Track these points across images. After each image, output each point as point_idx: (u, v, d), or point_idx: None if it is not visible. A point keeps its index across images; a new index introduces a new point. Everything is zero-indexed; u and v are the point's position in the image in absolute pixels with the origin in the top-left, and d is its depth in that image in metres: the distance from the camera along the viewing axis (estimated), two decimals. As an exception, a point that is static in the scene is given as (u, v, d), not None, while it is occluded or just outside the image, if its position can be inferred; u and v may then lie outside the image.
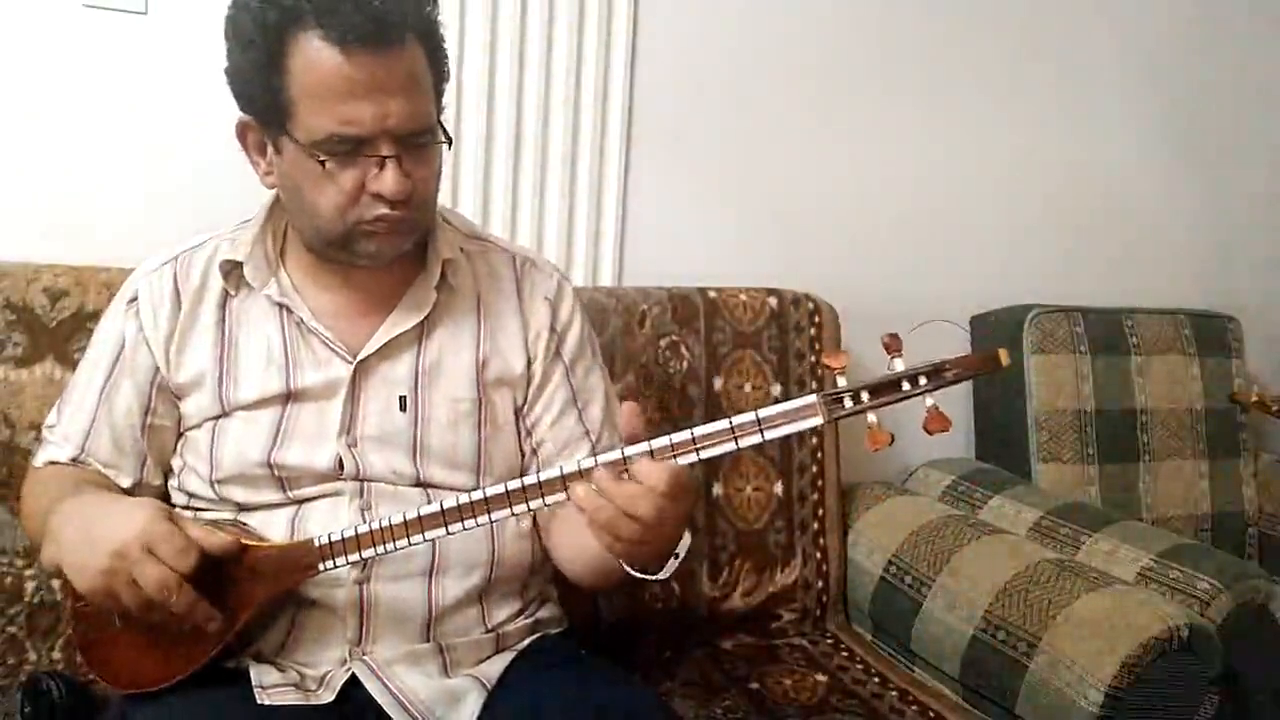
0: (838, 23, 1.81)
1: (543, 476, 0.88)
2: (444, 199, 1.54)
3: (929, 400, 0.82)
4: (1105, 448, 1.87)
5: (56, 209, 1.41)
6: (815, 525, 1.61)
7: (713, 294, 1.60)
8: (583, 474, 0.86)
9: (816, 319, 1.66)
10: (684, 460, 0.84)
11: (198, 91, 1.42)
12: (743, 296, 1.62)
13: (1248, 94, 2.20)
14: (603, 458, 0.85)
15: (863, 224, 1.90)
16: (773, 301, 1.63)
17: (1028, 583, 1.37)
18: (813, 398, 0.82)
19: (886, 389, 0.81)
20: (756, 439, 0.83)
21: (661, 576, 0.92)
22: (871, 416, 0.82)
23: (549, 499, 0.88)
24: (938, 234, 1.96)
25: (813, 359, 1.64)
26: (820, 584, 1.60)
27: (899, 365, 0.81)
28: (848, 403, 0.81)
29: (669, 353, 1.54)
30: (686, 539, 0.92)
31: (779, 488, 1.59)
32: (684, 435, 0.84)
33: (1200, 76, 2.14)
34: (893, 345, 0.82)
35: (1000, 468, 1.86)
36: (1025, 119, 2.00)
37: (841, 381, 0.82)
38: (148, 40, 1.42)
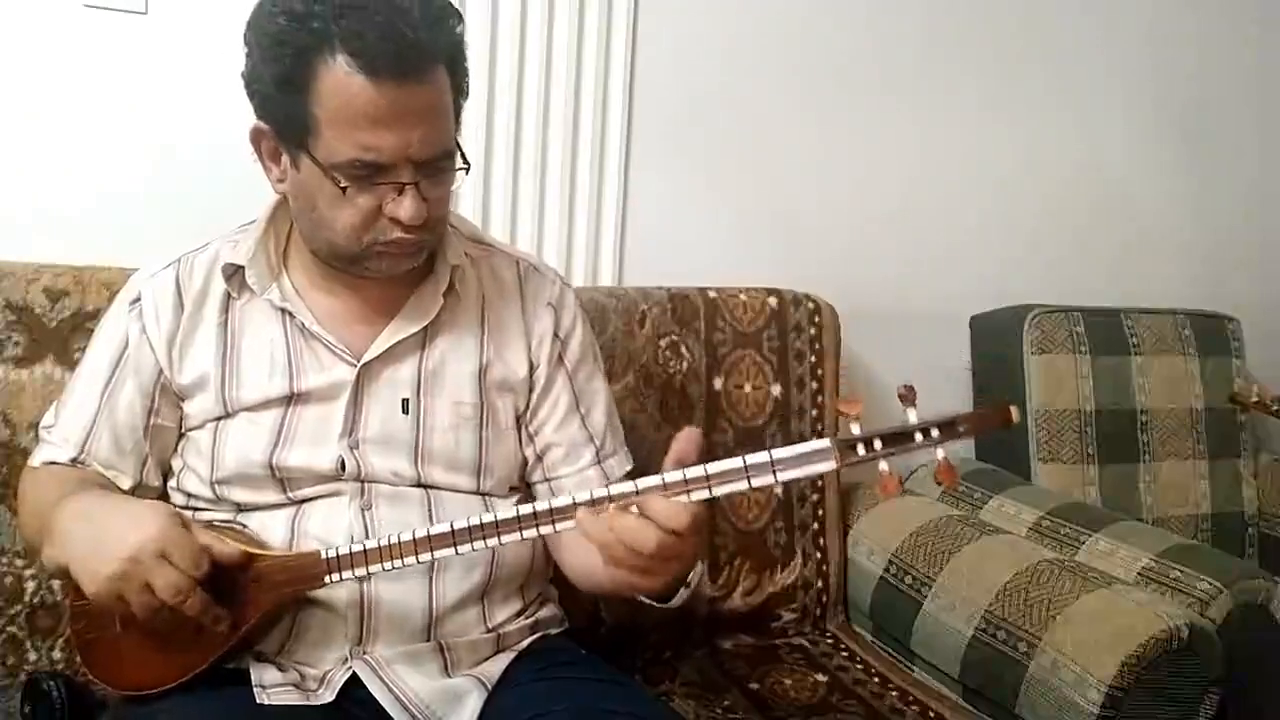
0: (837, 23, 1.81)
1: (555, 503, 0.88)
2: (444, 199, 1.54)
3: (940, 452, 0.83)
4: (1105, 448, 1.87)
5: (56, 209, 1.41)
6: (815, 525, 1.61)
7: (713, 294, 1.60)
8: (594, 503, 0.85)
9: (816, 319, 1.66)
10: (697, 496, 0.83)
11: (198, 91, 1.42)
12: (743, 296, 1.62)
13: (1247, 94, 2.20)
14: (616, 488, 0.85)
15: (863, 224, 1.90)
16: (773, 301, 1.63)
17: (1028, 583, 1.38)
18: (827, 442, 0.83)
19: (900, 439, 0.82)
20: (769, 479, 0.83)
21: (671, 605, 0.92)
22: (883, 464, 0.83)
23: (560, 525, 0.88)
24: (938, 234, 1.96)
25: (813, 359, 1.64)
26: (820, 584, 1.60)
27: (913, 416, 0.83)
28: (861, 450, 0.82)
29: (669, 353, 1.54)
30: (699, 569, 0.91)
31: (779, 488, 1.59)
32: (698, 471, 0.83)
33: (1200, 76, 2.14)
34: (908, 397, 0.83)
35: (1000, 468, 1.86)
36: (1025, 119, 2.00)
37: (855, 429, 0.83)
38: (148, 40, 1.41)
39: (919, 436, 0.82)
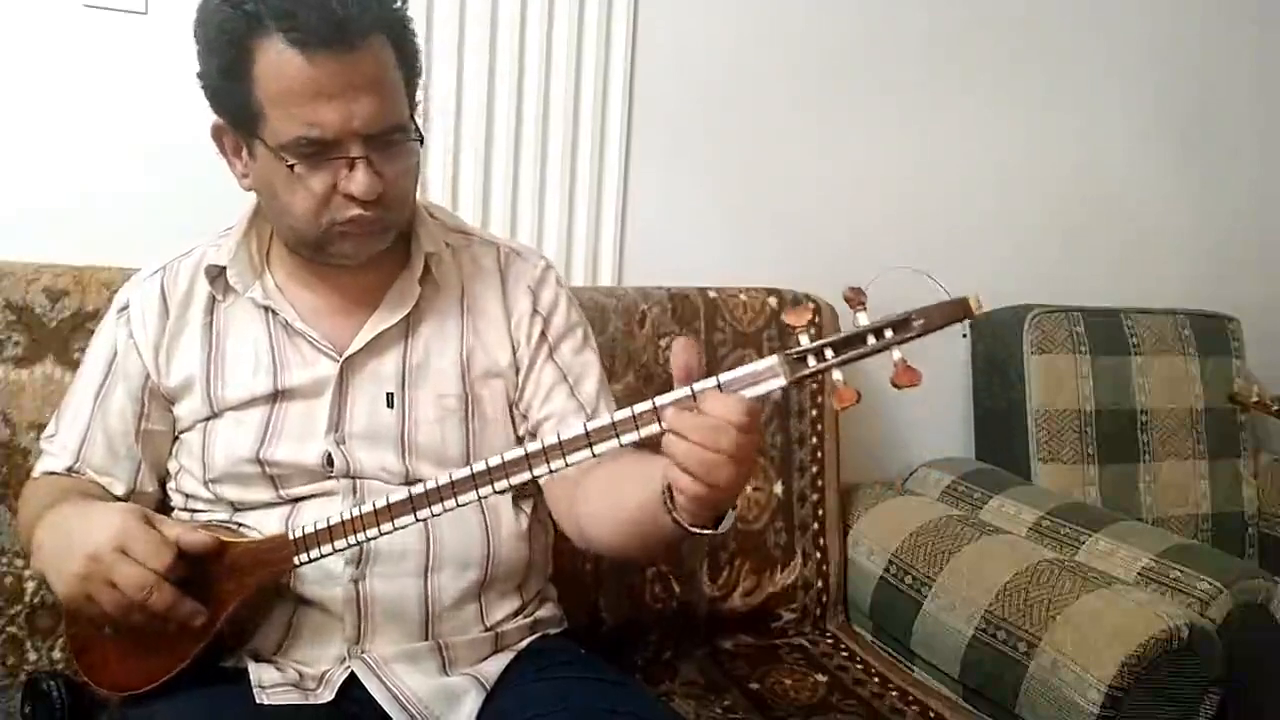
0: (837, 22, 1.81)
1: (527, 449, 0.85)
2: (444, 200, 1.55)
3: (896, 354, 0.77)
4: (1105, 448, 1.87)
5: (56, 209, 1.41)
6: (815, 525, 1.61)
7: (713, 294, 1.60)
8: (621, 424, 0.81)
9: (816, 319, 1.66)
10: (646, 430, 0.81)
11: (198, 91, 1.41)
12: (743, 296, 1.62)
13: (1248, 93, 2.20)
14: (664, 398, 0.80)
15: (863, 224, 1.89)
16: (773, 301, 1.63)
17: (1028, 583, 1.37)
18: (774, 358, 0.79)
19: (850, 344, 0.77)
20: None
21: (722, 530, 0.86)
22: (837, 374, 0.79)
23: (515, 478, 0.85)
24: (937, 234, 1.96)
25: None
26: (820, 584, 1.60)
27: (863, 319, 0.77)
28: (811, 361, 0.78)
29: (669, 353, 1.54)
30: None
31: (779, 488, 1.59)
32: (645, 405, 0.81)
33: (1200, 76, 2.14)
34: (855, 299, 0.77)
35: (1000, 468, 1.86)
36: (1025, 119, 2.00)
37: (804, 340, 0.79)
38: (148, 40, 1.42)
39: (871, 339, 0.77)
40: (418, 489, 0.90)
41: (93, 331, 1.13)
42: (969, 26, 1.92)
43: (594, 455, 0.83)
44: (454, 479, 0.88)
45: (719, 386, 0.79)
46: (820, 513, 1.62)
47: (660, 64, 1.69)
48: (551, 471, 0.85)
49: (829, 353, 0.77)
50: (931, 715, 1.36)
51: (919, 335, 0.77)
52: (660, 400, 0.80)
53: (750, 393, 0.79)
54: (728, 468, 0.78)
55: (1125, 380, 1.92)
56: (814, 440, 1.62)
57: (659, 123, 1.71)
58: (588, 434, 0.83)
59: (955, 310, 0.77)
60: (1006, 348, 1.88)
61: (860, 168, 1.88)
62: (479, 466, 0.87)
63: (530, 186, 1.62)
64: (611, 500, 0.98)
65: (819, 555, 1.61)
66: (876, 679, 1.46)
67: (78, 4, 1.38)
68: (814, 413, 1.62)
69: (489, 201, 1.60)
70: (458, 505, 0.89)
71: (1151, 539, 1.54)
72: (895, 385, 0.78)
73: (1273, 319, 2.22)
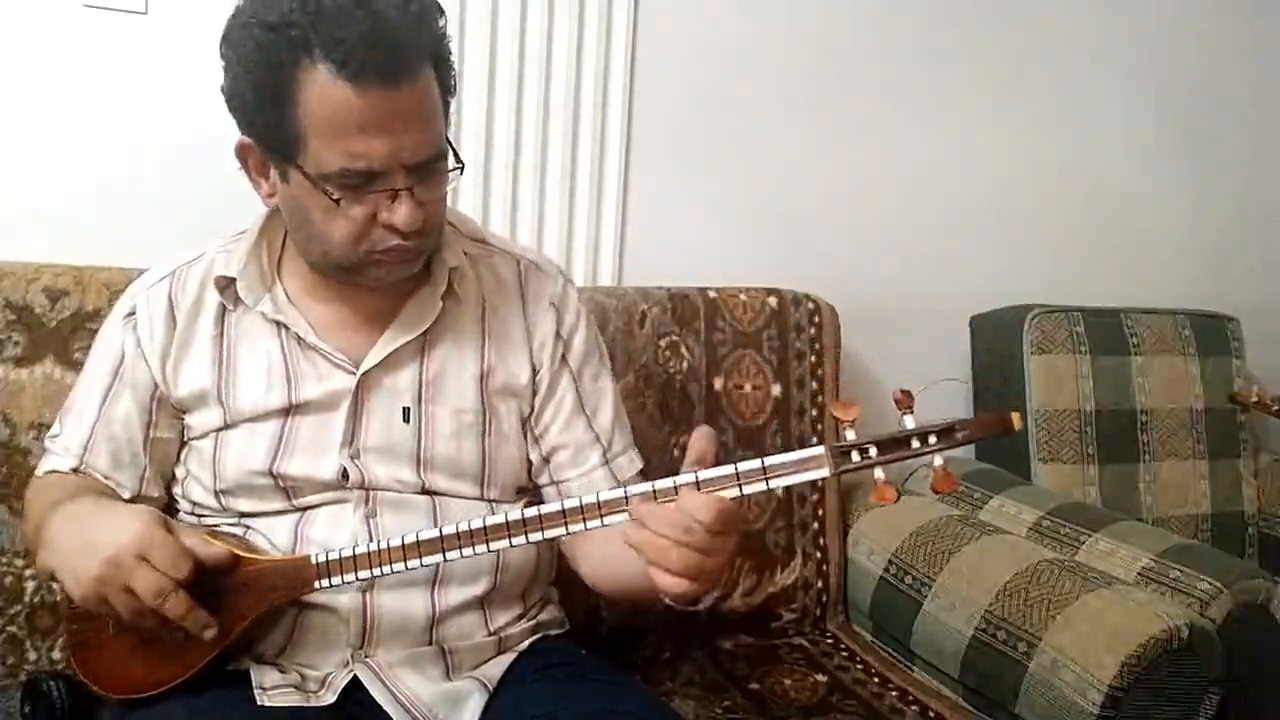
0: (837, 23, 1.81)
1: (546, 510, 0.88)
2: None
3: (937, 460, 0.81)
4: (1105, 448, 1.87)
5: (56, 209, 1.41)
6: (815, 525, 1.61)
7: (713, 294, 1.60)
8: (606, 505, 0.85)
9: (816, 319, 1.66)
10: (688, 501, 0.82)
11: (198, 91, 1.41)
12: (743, 296, 1.62)
13: (1247, 93, 2.20)
14: (637, 488, 0.83)
15: (863, 224, 1.90)
16: (773, 301, 1.63)
17: (1028, 583, 1.37)
18: (821, 449, 0.81)
19: (895, 445, 0.80)
20: (761, 486, 0.81)
21: (701, 607, 0.90)
22: (879, 472, 0.81)
23: (549, 532, 0.88)
24: (938, 234, 1.96)
25: (813, 359, 1.64)
26: (820, 584, 1.60)
27: (909, 422, 0.80)
28: (855, 456, 0.80)
29: (669, 353, 1.54)
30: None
31: (780, 491, 1.59)
32: (687, 478, 0.82)
33: (1200, 76, 2.14)
34: (904, 401, 0.81)
35: (1000, 468, 1.86)
36: (1025, 119, 2.00)
37: (850, 435, 0.81)
38: (148, 40, 1.42)
39: (916, 443, 0.80)
40: (449, 529, 0.90)
41: (93, 331, 1.13)
42: (969, 27, 1.92)
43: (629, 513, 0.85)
44: (487, 525, 0.89)
45: (763, 470, 0.81)
46: (820, 513, 1.62)
47: (660, 64, 1.69)
48: (587, 529, 0.87)
49: (874, 451, 0.80)
50: (931, 715, 1.36)
51: (960, 444, 0.80)
52: (631, 490, 0.84)
53: (793, 480, 0.81)
54: (692, 559, 0.79)
55: (1125, 380, 1.92)
56: (814, 441, 1.62)
57: (659, 123, 1.71)
58: (626, 496, 0.85)
59: (997, 426, 0.80)
60: (1006, 348, 1.88)
61: (860, 167, 1.88)
62: (513, 515, 0.89)
63: (530, 186, 1.62)
64: (611, 560, 1.01)
65: (819, 555, 1.61)
66: (876, 679, 1.46)
67: (78, 4, 1.38)
68: (814, 413, 1.62)
69: (489, 201, 1.60)
70: (488, 551, 0.90)
71: (1151, 539, 1.54)
72: (934, 490, 0.81)
73: (1273, 319, 2.22)
